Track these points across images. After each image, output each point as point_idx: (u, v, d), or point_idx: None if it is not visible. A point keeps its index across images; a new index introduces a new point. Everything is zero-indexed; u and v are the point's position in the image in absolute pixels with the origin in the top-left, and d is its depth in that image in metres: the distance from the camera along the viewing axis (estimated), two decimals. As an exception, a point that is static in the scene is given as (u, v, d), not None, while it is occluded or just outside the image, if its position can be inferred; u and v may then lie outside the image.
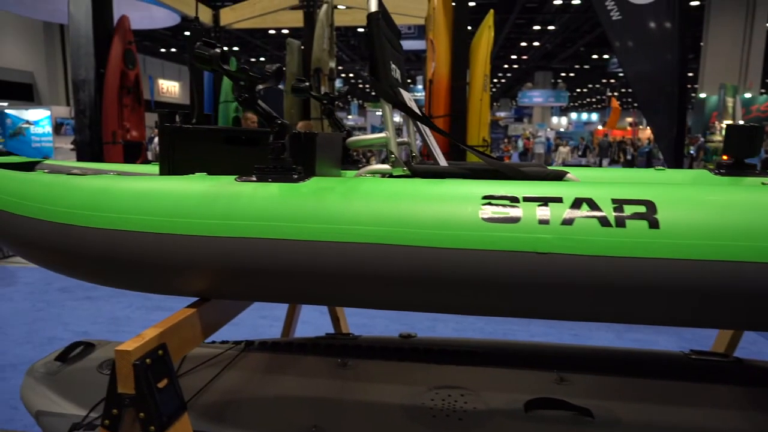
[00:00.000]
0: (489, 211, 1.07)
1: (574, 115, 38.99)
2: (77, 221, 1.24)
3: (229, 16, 8.59)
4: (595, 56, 26.94)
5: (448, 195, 1.11)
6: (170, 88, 27.23)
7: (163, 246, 1.16)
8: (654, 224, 1.01)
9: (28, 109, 13.94)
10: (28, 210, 1.31)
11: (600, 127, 28.90)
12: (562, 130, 28.86)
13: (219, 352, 1.92)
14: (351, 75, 35.49)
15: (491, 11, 5.87)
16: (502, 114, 32.62)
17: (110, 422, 1.06)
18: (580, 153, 20.20)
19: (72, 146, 9.24)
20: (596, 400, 1.61)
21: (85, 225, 1.23)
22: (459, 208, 1.08)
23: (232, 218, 1.13)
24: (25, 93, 17.23)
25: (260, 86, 1.25)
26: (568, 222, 1.04)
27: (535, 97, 28.88)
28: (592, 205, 1.05)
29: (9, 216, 1.34)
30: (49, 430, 1.56)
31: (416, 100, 1.76)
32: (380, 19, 1.32)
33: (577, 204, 1.06)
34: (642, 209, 1.03)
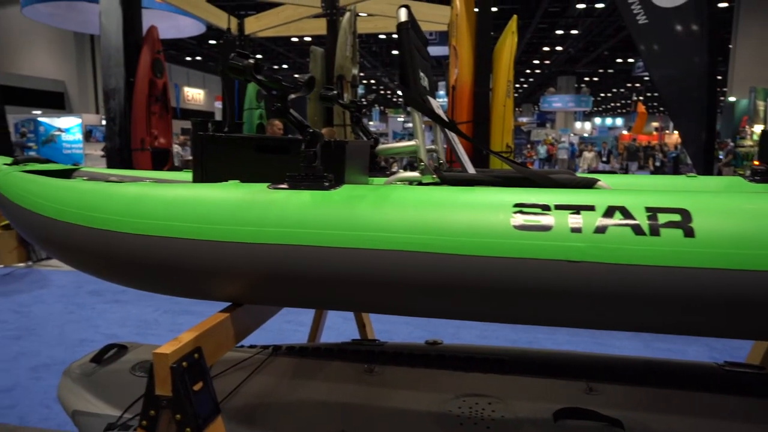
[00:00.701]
0: (520, 219, 1.07)
1: (598, 120, 38.48)
2: (115, 227, 1.28)
3: (253, 25, 8.73)
4: (619, 60, 26.59)
5: (479, 203, 1.12)
6: (195, 95, 27.74)
7: (199, 252, 1.19)
8: (689, 233, 1.00)
9: (59, 117, 14.35)
10: (69, 216, 1.35)
11: (625, 132, 28.45)
12: (586, 135, 28.48)
13: (248, 356, 1.95)
14: (372, 81, 35.68)
15: (514, 16, 5.85)
16: (524, 119, 32.39)
17: (148, 423, 1.09)
18: (603, 158, 19.75)
19: (102, 153, 9.48)
20: (627, 411, 1.59)
21: (122, 231, 1.27)
22: (490, 215, 1.08)
23: (265, 225, 1.15)
24: (56, 101, 17.75)
25: (292, 95, 1.27)
26: (600, 230, 1.03)
27: (558, 102, 28.60)
28: (626, 214, 1.05)
29: (51, 221, 1.39)
30: (84, 429, 1.60)
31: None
32: (410, 29, 1.34)
33: (609, 212, 1.05)
34: (677, 218, 1.02)
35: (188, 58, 27.46)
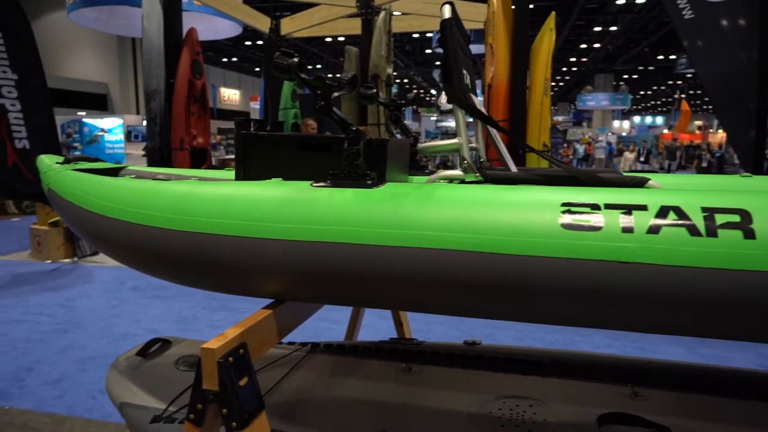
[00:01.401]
0: (568, 219, 1.05)
1: (637, 119, 37.40)
2: (162, 224, 1.31)
3: (289, 26, 8.83)
4: (660, 57, 25.80)
5: (526, 202, 1.10)
6: (231, 96, 28.32)
7: (243, 249, 1.20)
8: (749, 234, 0.95)
9: (102, 118, 14.86)
10: (119, 213, 1.39)
11: (666, 131, 27.57)
12: (624, 134, 27.73)
13: (286, 353, 1.97)
14: (405, 80, 35.65)
15: (553, 13, 5.74)
16: (559, 118, 31.79)
17: (195, 416, 1.11)
18: (641, 158, 19.06)
19: (143, 152, 9.78)
20: (674, 418, 1.54)
21: (169, 228, 1.30)
22: (537, 215, 1.06)
23: (309, 223, 1.16)
24: (100, 103, 18.38)
25: (335, 94, 1.28)
26: (654, 230, 1.00)
27: (595, 100, 27.94)
28: (680, 214, 1.01)
29: (102, 218, 1.44)
30: (131, 420, 1.65)
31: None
32: (453, 26, 1.33)
33: (663, 212, 1.02)
34: (736, 218, 0.98)
35: (224, 60, 28.03)
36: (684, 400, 1.64)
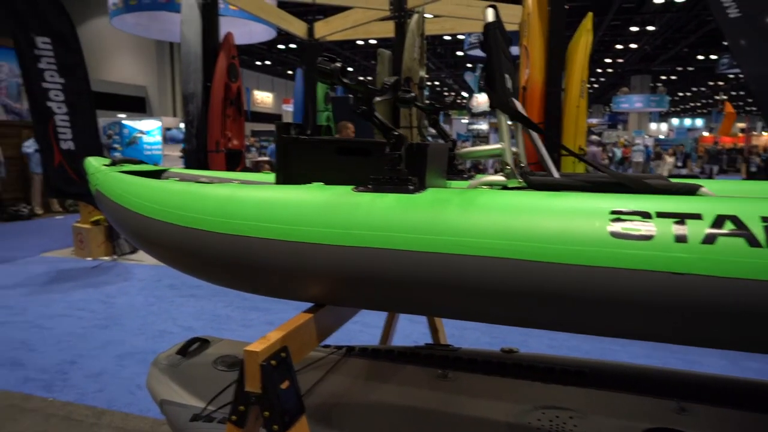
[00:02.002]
0: (618, 227, 1.02)
1: (675, 121, 36.32)
2: (206, 227, 1.33)
3: (322, 29, 8.91)
4: (700, 57, 25.00)
5: (573, 209, 1.07)
6: (264, 99, 28.76)
7: (285, 253, 1.21)
8: None
9: (141, 120, 15.29)
10: (164, 215, 1.43)
11: (706, 134, 26.69)
12: (661, 137, 26.97)
13: (322, 356, 1.98)
14: (437, 83, 35.53)
15: (590, 14, 5.64)
16: (593, 121, 31.14)
17: (237, 418, 1.13)
18: (679, 163, 18.24)
19: (180, 154, 10.02)
20: None
21: (213, 230, 1.32)
22: (585, 222, 1.04)
23: (350, 228, 1.16)
24: (138, 105, 18.92)
25: (377, 98, 1.28)
26: (709, 241, 0.96)
27: (631, 102, 27.26)
28: (738, 223, 0.97)
29: (147, 219, 1.47)
30: (171, 418, 1.68)
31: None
32: (497, 29, 1.31)
33: (719, 222, 0.98)
34: None
35: (258, 63, 28.48)
36: (734, 416, 1.57)
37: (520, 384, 1.78)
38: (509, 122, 1.39)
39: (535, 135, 1.51)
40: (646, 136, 25.24)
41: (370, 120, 1.27)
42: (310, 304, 1.33)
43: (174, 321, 4.36)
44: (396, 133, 1.25)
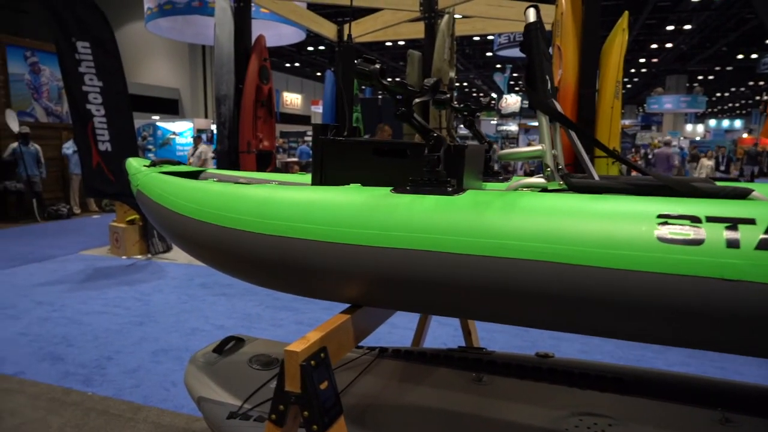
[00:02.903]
0: (666, 231, 0.99)
1: (712, 122, 35.23)
2: (244, 227, 1.35)
3: (353, 31, 8.96)
4: (740, 56, 24.20)
5: (617, 212, 1.05)
6: (293, 100, 29.06)
7: (324, 253, 1.22)
8: None
9: (174, 122, 15.64)
10: (204, 215, 1.45)
11: (745, 135, 25.80)
12: (697, 138, 26.19)
13: (355, 357, 1.98)
14: (465, 84, 35.32)
15: (626, 13, 5.52)
16: (626, 122, 30.45)
17: (277, 417, 1.14)
18: (722, 167, 17.34)
19: (213, 155, 10.23)
20: None
21: (251, 230, 1.33)
22: (631, 226, 1.01)
23: (389, 229, 1.16)
24: (172, 107, 19.36)
25: (417, 100, 1.27)
26: (764, 246, 0.92)
27: (666, 102, 26.54)
28: None
29: (187, 219, 1.50)
30: (208, 415, 1.71)
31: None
32: (539, 29, 1.29)
33: None
34: None
35: (287, 65, 28.81)
36: None
37: (556, 389, 1.75)
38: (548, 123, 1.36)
39: (574, 136, 1.48)
40: (682, 138, 24.54)
41: (409, 122, 1.27)
42: (339, 304, 1.33)
43: (206, 319, 4.44)
44: (435, 135, 1.24)
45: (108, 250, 7.08)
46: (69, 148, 10.05)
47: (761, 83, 29.73)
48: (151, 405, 2.96)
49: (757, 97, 31.77)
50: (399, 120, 1.27)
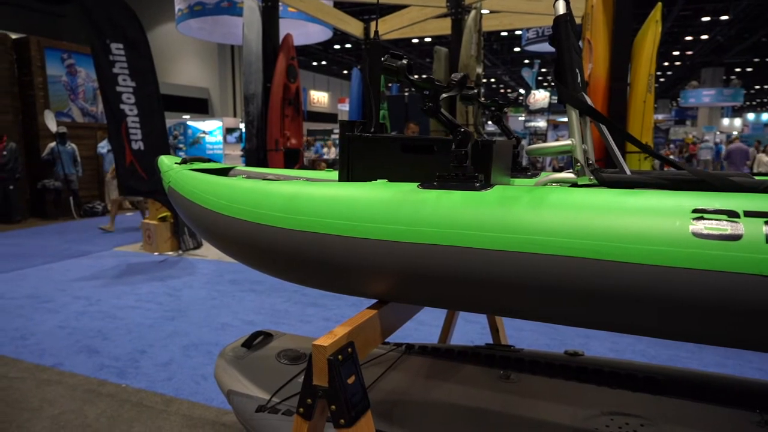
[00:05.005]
0: (701, 226, 0.96)
1: (750, 116, 34.00)
2: (275, 223, 1.36)
3: (379, 28, 8.97)
4: (781, 47, 23.30)
5: (651, 207, 1.02)
6: (320, 98, 29.26)
7: (352, 249, 1.22)
8: None
9: (203, 121, 15.92)
10: (234, 211, 1.47)
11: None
12: (735, 133, 25.33)
13: (382, 353, 1.99)
14: (492, 80, 34.96)
15: (659, 4, 5.37)
16: (659, 116, 29.65)
17: (304, 410, 1.15)
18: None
19: (241, 153, 10.38)
20: None
21: (281, 226, 1.35)
22: (665, 221, 0.99)
23: (417, 225, 1.16)
24: (201, 107, 19.72)
25: (444, 95, 1.27)
26: None
27: (702, 96, 25.72)
28: None
29: (218, 216, 1.53)
30: (238, 407, 1.74)
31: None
32: (569, 21, 1.27)
33: None
34: None
35: (314, 63, 29.01)
36: None
37: (586, 388, 1.72)
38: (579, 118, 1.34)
39: (605, 130, 1.45)
40: (718, 132, 23.77)
41: (436, 117, 1.26)
42: (366, 301, 1.34)
43: (235, 314, 4.52)
44: (462, 130, 1.23)
45: (140, 246, 7.26)
46: (103, 147, 10.35)
47: (803, 75, 28.56)
48: (182, 398, 3.03)
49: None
50: (426, 115, 1.27)
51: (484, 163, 1.35)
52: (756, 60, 26.60)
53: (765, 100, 41.87)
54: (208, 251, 6.97)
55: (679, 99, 28.57)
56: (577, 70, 1.38)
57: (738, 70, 29.46)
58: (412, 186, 1.28)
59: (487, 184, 1.24)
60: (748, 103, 36.44)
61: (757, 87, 36.05)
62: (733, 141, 15.54)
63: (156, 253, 6.93)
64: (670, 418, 1.55)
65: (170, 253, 6.94)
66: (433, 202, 1.18)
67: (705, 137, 21.81)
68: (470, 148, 1.24)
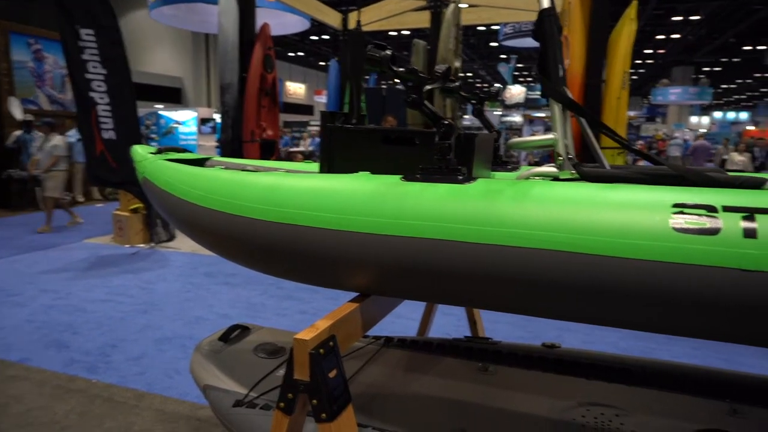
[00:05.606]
0: (681, 221, 0.97)
1: (718, 114, 34.97)
2: (255, 214, 1.34)
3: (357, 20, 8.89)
4: (747, 48, 23.97)
5: (632, 201, 1.03)
6: (296, 90, 28.97)
7: (334, 241, 1.21)
8: None
9: (177, 111, 15.56)
10: (210, 202, 1.44)
11: (751, 128, 25.62)
12: (703, 131, 26.01)
13: (361, 346, 1.98)
14: (469, 74, 35.12)
15: (634, 2, 5.46)
16: (631, 113, 30.22)
17: (285, 405, 1.13)
18: (758, 163, 14.16)
19: (216, 144, 10.20)
20: None
21: (261, 218, 1.32)
22: (646, 216, 1.00)
23: (401, 217, 1.15)
24: (175, 96, 19.29)
25: (428, 86, 1.25)
26: None
27: (672, 94, 26.32)
28: None
29: (195, 207, 1.49)
30: (214, 402, 1.71)
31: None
32: (553, 15, 1.27)
33: None
34: None
35: (291, 54, 28.66)
36: None
37: (563, 380, 1.74)
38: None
39: (586, 125, 1.46)
40: (686, 130, 24.38)
41: (420, 108, 1.25)
42: (343, 294, 1.32)
43: (210, 308, 4.45)
44: (446, 123, 1.23)
45: (111, 238, 7.09)
46: (72, 136, 10.04)
47: (767, 75, 29.47)
48: (155, 392, 2.98)
49: (762, 89, 31.51)
50: (409, 107, 1.26)
51: (467, 157, 1.34)
52: (724, 60, 27.33)
53: (731, 99, 43.12)
54: (182, 243, 6.85)
55: (650, 96, 29.18)
56: (560, 65, 1.38)
57: (706, 69, 30.22)
58: (396, 178, 1.27)
59: (470, 178, 1.24)
60: (715, 101, 37.45)
61: (724, 86, 37.09)
62: (698, 138, 15.77)
63: (127, 246, 6.77)
64: (644, 408, 1.59)
65: (142, 245, 6.79)
66: (417, 195, 1.17)
67: (675, 134, 22.34)
68: (454, 140, 1.23)
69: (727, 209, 0.97)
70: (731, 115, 34.32)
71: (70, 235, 7.41)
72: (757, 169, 13.89)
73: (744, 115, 33.46)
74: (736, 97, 42.27)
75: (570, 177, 1.28)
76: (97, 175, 6.26)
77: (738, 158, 12.77)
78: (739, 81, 34.58)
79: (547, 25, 1.26)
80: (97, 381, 3.10)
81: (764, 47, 21.98)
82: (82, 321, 4.06)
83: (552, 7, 1.27)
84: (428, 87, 1.25)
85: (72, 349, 3.54)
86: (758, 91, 36.14)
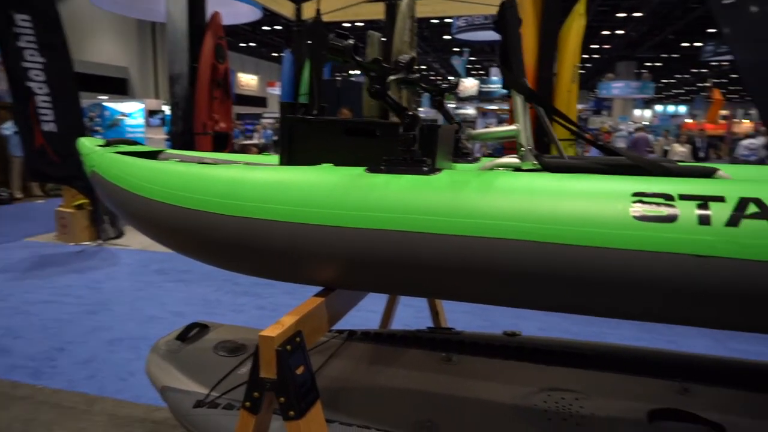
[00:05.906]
0: (640, 209, 1.01)
1: (659, 108, 36.66)
2: (212, 208, 1.29)
3: (311, 10, 8.76)
4: (685, 44, 25.18)
5: (594, 191, 1.06)
6: (249, 81, 28.34)
7: (297, 235, 1.18)
8: None
9: (122, 102, 14.92)
10: (165, 196, 1.38)
11: (689, 120, 26.98)
12: (645, 123, 27.18)
13: (324, 340, 1.96)
14: (423, 67, 35.31)
15: (583, -2, 5.61)
16: (579, 106, 31.19)
17: (251, 404, 1.10)
18: (702, 154, 14.76)
19: (166, 137, 9.85)
20: (728, 415, 1.50)
21: (219, 212, 1.28)
22: (607, 205, 1.02)
23: (366, 210, 1.13)
24: (120, 87, 18.49)
25: (392, 77, 1.24)
26: (733, 223, 0.95)
27: (615, 88, 27.38)
28: (762, 206, 0.96)
29: (149, 201, 1.42)
30: (174, 404, 1.65)
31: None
32: (514, 7, 1.28)
33: (742, 204, 0.97)
34: None
35: (242, 45, 27.98)
36: (737, 397, 1.59)
37: (524, 366, 1.78)
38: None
39: (545, 117, 1.49)
40: (631, 123, 25.41)
41: (383, 99, 1.24)
42: (302, 289, 1.30)
43: (163, 306, 4.31)
44: (410, 114, 1.22)
45: (55, 236, 6.73)
46: (8, 128, 9.46)
47: (703, 71, 31.09)
48: (107, 396, 2.86)
49: (699, 84, 33.25)
50: (373, 97, 1.24)
51: (430, 148, 1.34)
52: (664, 55, 28.61)
53: (671, 93, 45.27)
54: (131, 240, 6.58)
55: (596, 90, 30.24)
56: (520, 57, 1.40)
57: (648, 64, 31.56)
58: (360, 170, 1.25)
59: (434, 169, 1.24)
60: (657, 95, 39.23)
61: (665, 81, 38.88)
62: (638, 131, 16.54)
63: (72, 243, 6.45)
64: (601, 391, 1.64)
65: (89, 242, 6.49)
66: (382, 187, 1.16)
67: (620, 126, 23.25)
68: (419, 132, 1.23)
69: (683, 197, 1.01)
70: (671, 108, 36.05)
71: (8, 233, 6.99)
72: (700, 160, 14.54)
73: (683, 109, 35.22)
74: (675, 91, 44.45)
75: (532, 168, 1.30)
76: (37, 170, 5.92)
77: (679, 149, 13.45)
78: (678, 76, 36.35)
79: (509, 16, 1.27)
80: (44, 387, 2.94)
81: (701, 44, 23.14)
82: (25, 324, 3.84)
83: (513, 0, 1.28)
84: (392, 78, 1.24)
85: (14, 354, 3.35)
86: (695, 85, 38.08)
